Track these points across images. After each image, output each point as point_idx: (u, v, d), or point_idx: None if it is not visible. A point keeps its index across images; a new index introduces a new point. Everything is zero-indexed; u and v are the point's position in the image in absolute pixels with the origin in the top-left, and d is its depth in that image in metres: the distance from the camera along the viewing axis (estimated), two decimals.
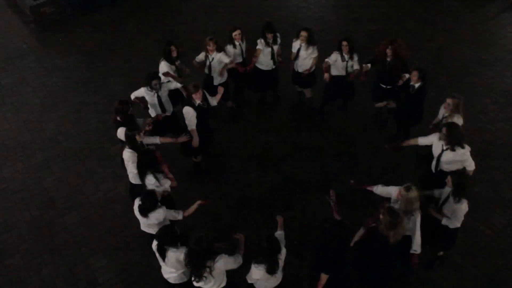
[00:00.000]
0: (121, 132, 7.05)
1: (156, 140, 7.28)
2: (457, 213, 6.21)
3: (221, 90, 8.01)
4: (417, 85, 7.90)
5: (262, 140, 9.28)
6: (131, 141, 6.77)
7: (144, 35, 12.30)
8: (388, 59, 8.32)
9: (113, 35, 12.39)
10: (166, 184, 6.58)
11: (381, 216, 5.61)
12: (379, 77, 8.80)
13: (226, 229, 7.56)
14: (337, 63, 8.76)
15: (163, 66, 8.39)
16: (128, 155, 6.82)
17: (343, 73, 8.80)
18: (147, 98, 7.94)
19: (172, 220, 6.48)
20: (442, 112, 7.54)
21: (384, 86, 8.77)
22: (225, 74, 8.93)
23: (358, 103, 9.78)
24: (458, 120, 7.21)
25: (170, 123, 8.37)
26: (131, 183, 7.26)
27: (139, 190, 6.62)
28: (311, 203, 8.04)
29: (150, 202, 6.05)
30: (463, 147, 6.71)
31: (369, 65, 8.59)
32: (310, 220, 7.73)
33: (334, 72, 8.86)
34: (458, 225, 6.34)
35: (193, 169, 8.58)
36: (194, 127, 7.56)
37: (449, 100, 7.27)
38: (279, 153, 9.01)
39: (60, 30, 12.49)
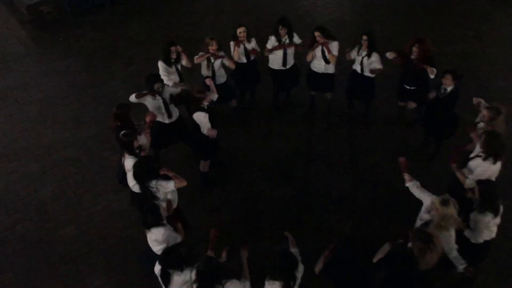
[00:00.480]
0: None
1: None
2: (478, 225, 6.02)
3: (210, 82, 8.07)
4: (449, 88, 7.81)
5: (273, 149, 9.26)
6: (128, 147, 6.82)
7: (148, 36, 12.32)
8: (413, 57, 8.28)
9: (114, 36, 12.42)
10: (170, 185, 6.51)
11: (411, 241, 5.41)
12: (402, 77, 8.79)
13: (234, 244, 7.48)
14: (356, 58, 8.84)
15: (159, 67, 8.51)
16: (132, 162, 6.78)
17: (358, 69, 8.85)
18: (149, 105, 7.98)
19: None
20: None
21: (408, 87, 8.73)
22: (224, 75, 9.04)
23: (378, 109, 9.77)
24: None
25: (177, 129, 8.38)
26: (135, 193, 7.24)
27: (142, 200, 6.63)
28: (325, 218, 7.98)
29: (153, 217, 6.00)
30: (494, 163, 6.52)
31: (393, 53, 8.55)
32: (325, 237, 7.64)
33: (354, 66, 8.98)
34: (480, 240, 6.15)
35: (200, 180, 8.56)
36: (209, 127, 7.55)
37: (484, 112, 6.97)
38: (291, 163, 8.97)
39: (58, 31, 12.53)
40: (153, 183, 6.44)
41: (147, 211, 6.04)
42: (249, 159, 9.08)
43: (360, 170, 8.79)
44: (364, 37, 8.52)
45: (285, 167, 8.91)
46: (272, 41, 8.99)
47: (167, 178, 6.57)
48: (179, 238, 6.22)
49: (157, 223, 6.01)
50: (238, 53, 8.90)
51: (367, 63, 8.66)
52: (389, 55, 8.58)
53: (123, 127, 7.19)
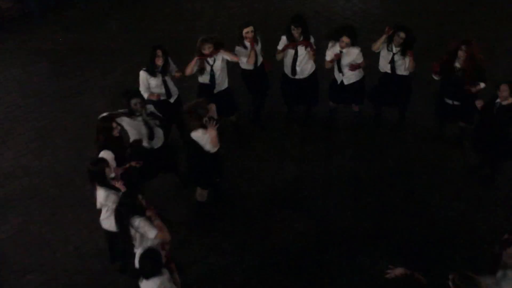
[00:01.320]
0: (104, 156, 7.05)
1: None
2: None
3: (212, 107, 7.78)
4: (505, 102, 7.71)
5: (285, 173, 9.19)
6: (98, 176, 6.74)
7: (131, 37, 12.38)
8: (458, 64, 8.16)
9: (91, 37, 12.47)
10: (150, 234, 6.37)
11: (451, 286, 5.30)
12: (444, 90, 8.65)
13: None
14: (383, 56, 8.85)
15: (140, 79, 8.49)
16: (103, 195, 6.74)
17: (388, 69, 8.86)
18: (128, 127, 7.91)
19: None
20: None
21: (451, 102, 8.62)
22: (226, 81, 8.98)
23: (413, 124, 9.73)
24: None
25: (160, 157, 8.28)
26: (108, 234, 7.17)
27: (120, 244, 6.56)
28: (352, 257, 7.80)
29: (152, 264, 5.86)
30: None
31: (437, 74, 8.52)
32: (353, 282, 7.45)
33: (381, 67, 8.99)
34: None
35: (197, 212, 8.49)
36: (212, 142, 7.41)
37: None
38: (308, 190, 8.89)
39: (21, 31, 12.62)
40: (136, 223, 6.32)
41: (146, 256, 5.87)
42: (256, 186, 8.97)
43: (393, 197, 8.65)
44: (402, 35, 8.47)
45: (300, 195, 8.80)
46: (283, 42, 8.98)
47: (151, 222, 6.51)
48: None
49: (158, 270, 5.88)
50: (254, 56, 8.85)
51: (400, 61, 8.66)
52: (437, 77, 8.57)
53: (108, 144, 7.22)
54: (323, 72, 9.42)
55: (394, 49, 8.62)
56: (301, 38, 8.83)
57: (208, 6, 13.20)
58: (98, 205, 6.97)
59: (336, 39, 8.73)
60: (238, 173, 9.17)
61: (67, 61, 11.82)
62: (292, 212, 8.54)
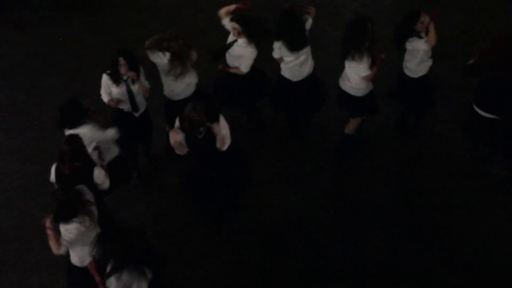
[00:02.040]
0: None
1: None
2: None
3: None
4: None
5: (282, 198, 9.11)
6: (82, 207, 6.56)
7: (99, 38, 12.42)
8: None
9: (50, 40, 12.49)
10: None
11: None
12: (485, 99, 8.37)
13: None
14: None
15: (102, 81, 8.50)
16: (74, 231, 6.57)
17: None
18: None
19: None
20: None
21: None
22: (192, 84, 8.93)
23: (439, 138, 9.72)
24: None
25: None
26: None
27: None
28: None
29: None
30: None
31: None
32: None
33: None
34: None
35: (191, 240, 8.53)
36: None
37: None
38: (310, 218, 8.81)
39: None
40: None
41: None
42: (246, 215, 8.91)
43: (415, 219, 8.59)
44: (425, 18, 8.34)
45: (300, 225, 8.73)
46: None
47: None
48: None
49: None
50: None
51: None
52: None
53: (86, 168, 7.06)
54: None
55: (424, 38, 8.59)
56: None
57: (188, 2, 13.34)
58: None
59: (361, 44, 8.43)
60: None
61: (23, 68, 11.82)
62: (289, 245, 8.49)
